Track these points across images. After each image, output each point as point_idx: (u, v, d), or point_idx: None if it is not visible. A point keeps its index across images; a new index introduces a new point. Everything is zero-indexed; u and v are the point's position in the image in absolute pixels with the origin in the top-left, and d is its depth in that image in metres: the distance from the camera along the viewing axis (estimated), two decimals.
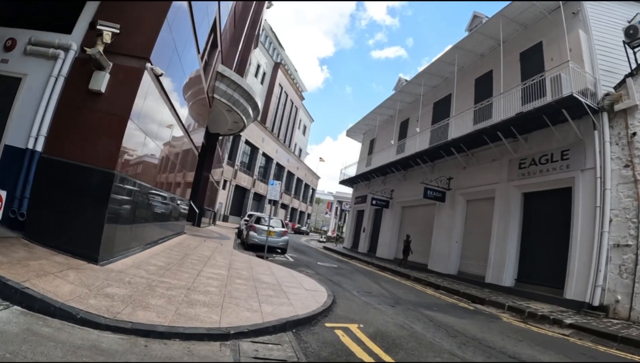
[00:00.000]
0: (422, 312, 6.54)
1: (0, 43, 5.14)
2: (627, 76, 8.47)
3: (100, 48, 4.88)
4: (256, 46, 24.97)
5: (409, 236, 15.84)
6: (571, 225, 9.00)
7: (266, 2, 22.44)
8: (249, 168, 37.05)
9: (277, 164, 43.13)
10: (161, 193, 8.21)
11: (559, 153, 9.78)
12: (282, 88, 45.23)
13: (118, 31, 5.03)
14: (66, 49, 5.16)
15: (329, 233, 45.03)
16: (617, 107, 8.46)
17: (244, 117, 15.69)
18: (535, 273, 10.16)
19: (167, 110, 7.16)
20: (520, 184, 11.03)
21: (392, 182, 19.69)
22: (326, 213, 62.90)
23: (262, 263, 9.26)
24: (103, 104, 5.09)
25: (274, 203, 38.47)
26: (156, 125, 6.69)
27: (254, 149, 37.14)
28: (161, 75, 5.80)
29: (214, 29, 9.97)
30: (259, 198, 40.08)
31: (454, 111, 14.94)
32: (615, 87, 8.70)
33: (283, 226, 14.33)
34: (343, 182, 25.57)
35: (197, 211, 16.66)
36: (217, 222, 25.85)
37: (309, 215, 63.87)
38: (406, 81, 20.39)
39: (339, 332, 4.39)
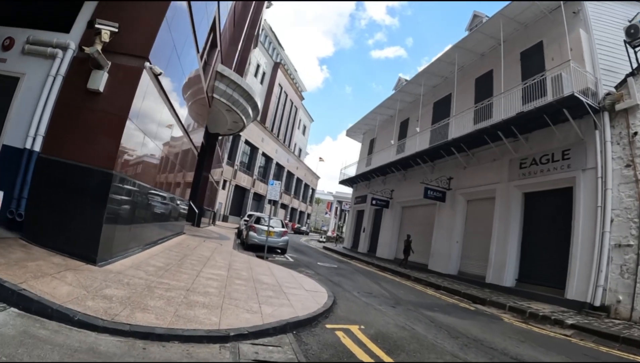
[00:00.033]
0: (423, 313, 6.51)
1: None
2: (628, 76, 8.46)
3: (99, 47, 4.85)
4: (256, 45, 24.94)
5: (409, 236, 15.78)
6: (572, 225, 8.98)
7: (266, 1, 22.41)
8: (248, 167, 37.01)
9: (277, 164, 43.10)
10: (160, 193, 8.16)
11: (559, 152, 9.75)
12: (281, 88, 45.20)
13: (117, 30, 5.01)
14: (64, 48, 5.12)
15: (329, 233, 45.00)
16: (618, 106, 8.45)
17: (243, 117, 15.66)
18: (536, 273, 10.13)
19: (167, 110, 7.12)
20: (521, 184, 11.01)
21: (392, 182, 19.66)
22: (326, 213, 62.88)
23: (261, 264, 9.22)
24: (102, 103, 5.05)
25: (273, 203, 38.42)
26: (155, 125, 6.65)
27: (253, 149, 37.10)
28: (160, 74, 5.76)
29: (213, 29, 9.94)
30: (259, 198, 40.04)
31: (454, 110, 14.90)
32: (616, 87, 8.69)
33: (283, 226, 14.29)
34: (343, 182, 25.53)
35: (196, 211, 16.62)
36: (217, 222, 25.81)
37: (308, 215, 63.85)
38: (406, 80, 20.37)
39: (339, 334, 4.35)
